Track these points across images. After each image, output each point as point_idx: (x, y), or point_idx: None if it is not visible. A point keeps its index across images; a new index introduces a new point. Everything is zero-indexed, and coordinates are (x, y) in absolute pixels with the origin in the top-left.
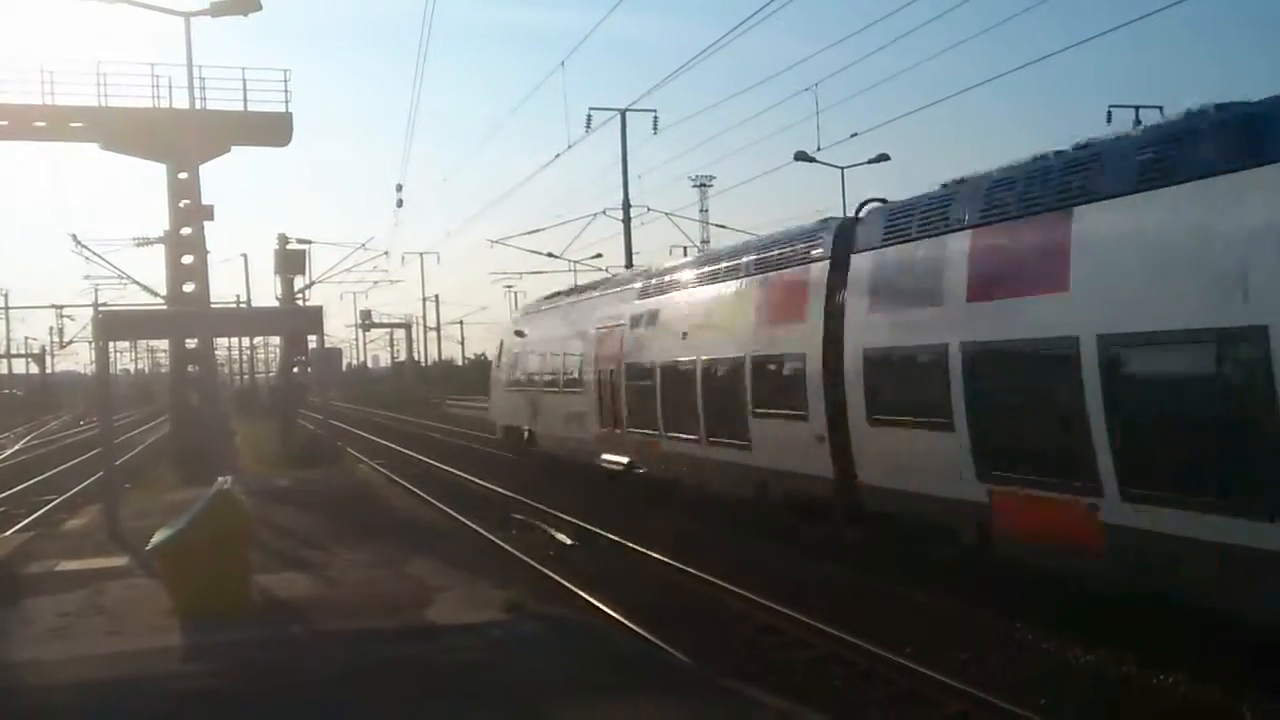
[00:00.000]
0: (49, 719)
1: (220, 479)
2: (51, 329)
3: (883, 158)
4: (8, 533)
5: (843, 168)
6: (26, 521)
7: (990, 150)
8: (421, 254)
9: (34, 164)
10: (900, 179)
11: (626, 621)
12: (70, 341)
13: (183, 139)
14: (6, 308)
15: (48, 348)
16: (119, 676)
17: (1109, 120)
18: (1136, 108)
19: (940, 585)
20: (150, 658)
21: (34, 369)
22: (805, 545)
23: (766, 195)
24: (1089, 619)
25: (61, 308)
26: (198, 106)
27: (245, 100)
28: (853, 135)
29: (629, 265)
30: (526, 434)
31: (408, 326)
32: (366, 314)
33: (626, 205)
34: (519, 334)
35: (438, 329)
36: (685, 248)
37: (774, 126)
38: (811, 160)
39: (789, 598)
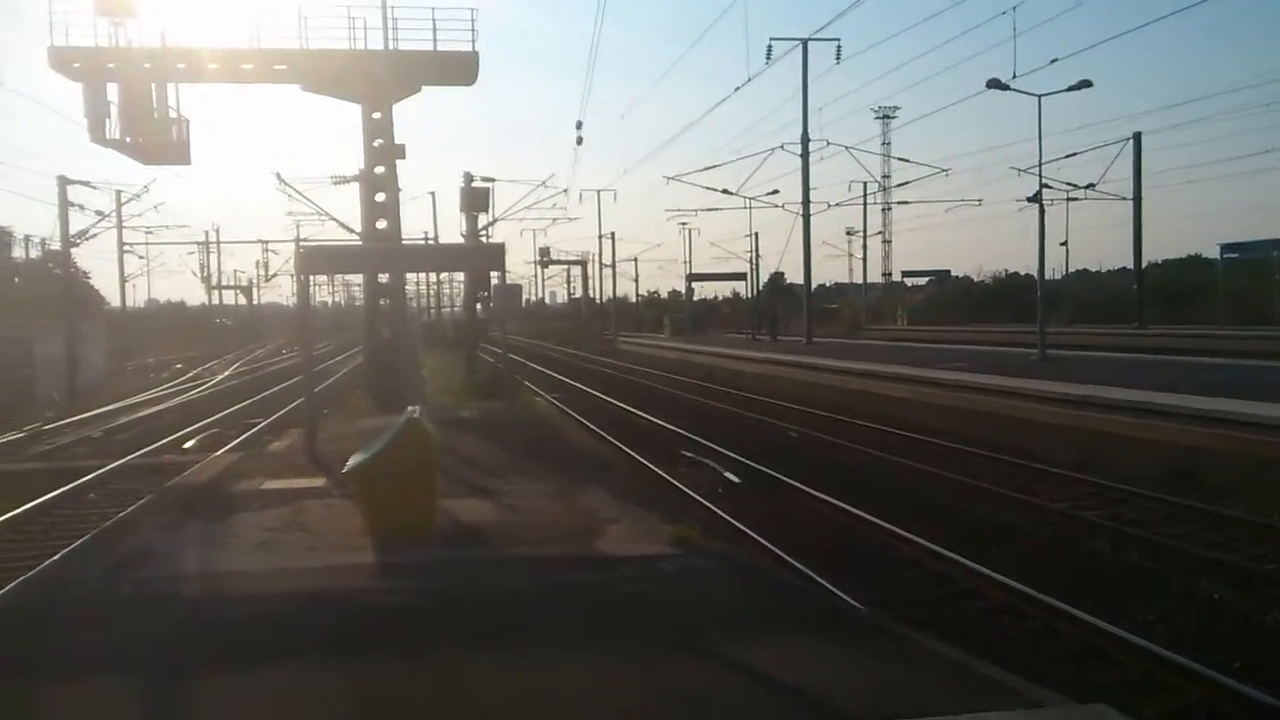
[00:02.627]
0: (258, 625)
1: (409, 408)
2: (258, 263)
3: (1084, 84)
4: (219, 453)
5: (1040, 95)
6: (236, 443)
7: (1197, 78)
8: (599, 191)
9: (242, 105)
10: (1102, 107)
11: (794, 561)
12: (274, 275)
13: (377, 80)
14: (219, 242)
15: (254, 280)
16: (319, 589)
17: None
18: None
19: None
20: (346, 573)
21: (242, 300)
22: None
23: (954, 127)
24: None
25: (267, 243)
26: (390, 48)
27: (435, 40)
28: (1053, 61)
29: (805, 201)
30: None
31: (584, 263)
32: (545, 250)
33: (805, 139)
34: None
35: (613, 266)
36: (865, 183)
37: (963, 54)
38: (1005, 88)
39: (963, 544)
